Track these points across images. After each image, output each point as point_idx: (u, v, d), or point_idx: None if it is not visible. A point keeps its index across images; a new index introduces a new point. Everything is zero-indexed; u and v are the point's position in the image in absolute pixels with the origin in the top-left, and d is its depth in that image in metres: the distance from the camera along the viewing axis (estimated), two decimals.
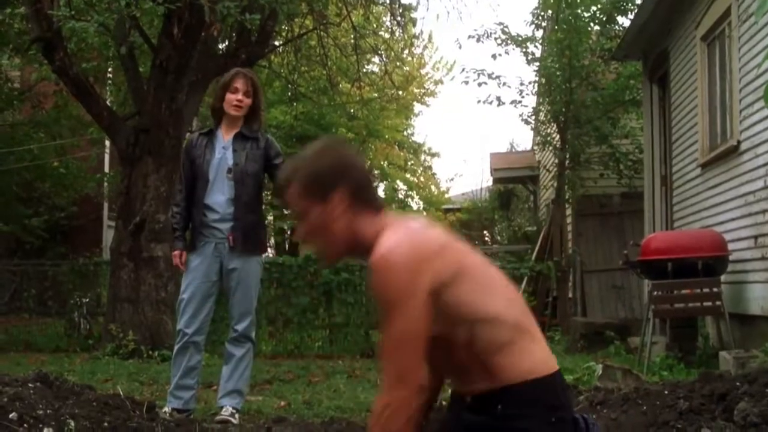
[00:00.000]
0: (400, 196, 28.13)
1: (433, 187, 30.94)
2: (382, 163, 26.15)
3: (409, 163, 28.91)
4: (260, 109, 5.90)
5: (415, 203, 28.50)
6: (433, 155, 30.17)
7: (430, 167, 30.84)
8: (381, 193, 29.88)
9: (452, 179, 65.80)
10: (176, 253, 5.72)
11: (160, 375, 8.31)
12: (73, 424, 4.02)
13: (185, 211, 5.74)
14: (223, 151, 5.71)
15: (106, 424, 4.29)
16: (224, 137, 5.75)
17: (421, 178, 30.16)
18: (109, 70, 14.86)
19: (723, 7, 8.72)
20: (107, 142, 17.35)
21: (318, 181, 2.35)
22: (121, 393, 5.40)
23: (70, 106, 15.34)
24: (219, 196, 5.66)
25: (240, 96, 5.66)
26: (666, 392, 4.46)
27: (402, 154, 27.91)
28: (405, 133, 27.35)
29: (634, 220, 13.40)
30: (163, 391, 7.12)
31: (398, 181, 28.22)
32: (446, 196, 31.40)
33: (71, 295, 13.23)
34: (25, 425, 3.82)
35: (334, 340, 11.94)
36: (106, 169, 19.18)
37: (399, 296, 2.18)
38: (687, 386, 4.50)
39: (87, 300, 13.18)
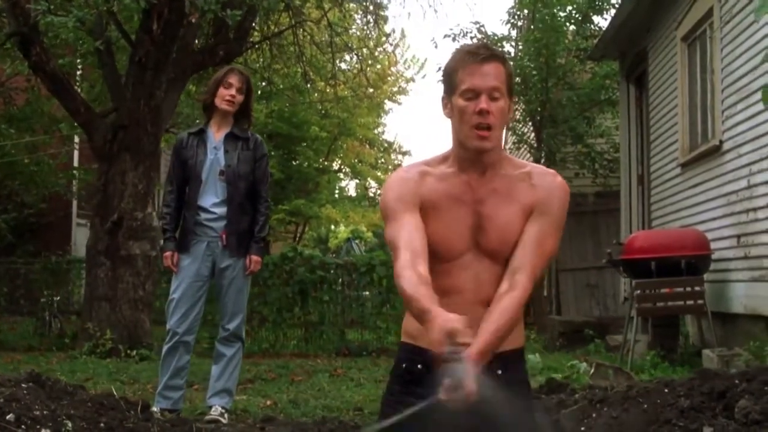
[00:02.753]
0: (371, 194, 28.11)
1: None
2: (353, 161, 26.10)
3: (380, 162, 28.84)
4: (251, 108, 5.87)
5: None
6: (404, 153, 30.14)
7: (401, 165, 30.78)
8: (352, 191, 29.87)
9: None
10: (168, 254, 5.63)
11: (140, 374, 8.21)
12: (70, 424, 3.95)
13: (176, 212, 5.67)
14: (215, 151, 5.64)
15: (102, 424, 4.22)
16: (215, 137, 5.68)
17: None
18: (80, 66, 14.64)
19: (705, 7, 8.77)
20: (77, 139, 17.11)
21: (513, 83, 2.63)
22: (115, 393, 5.31)
23: (43, 103, 15.08)
24: (212, 198, 5.60)
25: (233, 92, 5.60)
26: (666, 390, 4.46)
27: (373, 152, 27.85)
28: (376, 131, 27.30)
29: (609, 218, 13.48)
30: (146, 390, 7.05)
31: (369, 179, 28.18)
32: None
33: (42, 294, 13.04)
34: (22, 426, 3.74)
35: (309, 339, 11.85)
36: (76, 165, 18.89)
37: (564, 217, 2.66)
38: (685, 384, 4.51)
39: (58, 298, 13.00)
